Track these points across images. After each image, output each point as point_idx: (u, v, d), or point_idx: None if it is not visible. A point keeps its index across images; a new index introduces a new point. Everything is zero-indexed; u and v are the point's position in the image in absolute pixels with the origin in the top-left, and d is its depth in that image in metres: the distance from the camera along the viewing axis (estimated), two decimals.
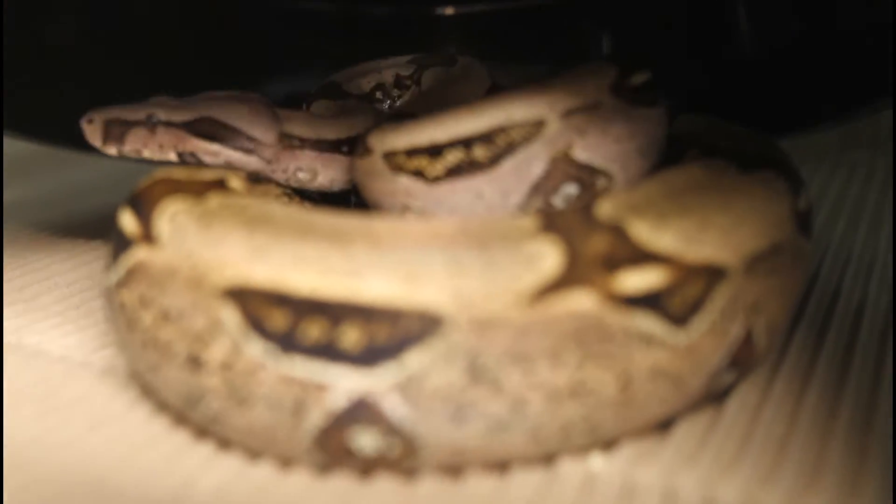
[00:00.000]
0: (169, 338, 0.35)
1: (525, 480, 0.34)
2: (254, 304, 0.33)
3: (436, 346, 0.32)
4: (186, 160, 0.45)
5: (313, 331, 0.32)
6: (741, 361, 0.36)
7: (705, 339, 0.34)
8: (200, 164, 0.45)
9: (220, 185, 0.40)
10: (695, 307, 0.34)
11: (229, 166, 0.45)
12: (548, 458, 0.35)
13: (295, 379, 0.33)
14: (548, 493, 0.34)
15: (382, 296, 0.32)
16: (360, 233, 0.34)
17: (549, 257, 0.32)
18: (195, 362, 0.34)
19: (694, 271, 0.34)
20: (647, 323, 0.33)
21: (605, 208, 0.34)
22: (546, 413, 0.32)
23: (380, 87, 0.55)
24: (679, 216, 0.34)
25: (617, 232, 0.33)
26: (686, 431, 0.37)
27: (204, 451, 0.37)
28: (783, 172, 0.39)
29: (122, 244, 0.38)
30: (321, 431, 0.33)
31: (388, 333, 0.32)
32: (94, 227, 0.64)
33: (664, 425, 0.37)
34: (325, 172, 0.47)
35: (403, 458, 0.33)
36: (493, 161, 0.40)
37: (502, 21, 0.71)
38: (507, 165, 0.40)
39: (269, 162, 0.46)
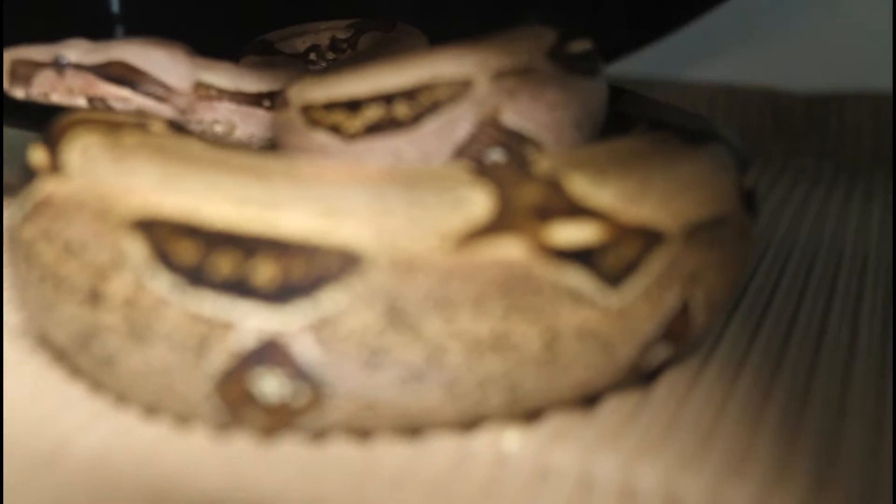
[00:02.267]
0: (69, 272, 0.32)
1: (436, 454, 0.32)
2: (162, 235, 0.31)
3: (353, 286, 0.30)
4: (96, 106, 0.43)
5: (224, 265, 0.30)
6: (676, 335, 0.35)
7: (638, 303, 0.33)
8: (110, 110, 0.43)
9: (140, 126, 0.37)
10: (629, 269, 0.32)
11: (141, 113, 0.42)
12: (462, 428, 0.33)
13: (201, 316, 0.30)
14: (458, 470, 0.32)
15: (300, 230, 0.30)
16: (281, 169, 0.32)
17: (478, 202, 0.31)
18: (95, 297, 0.32)
19: (630, 231, 0.32)
20: (578, 279, 0.31)
21: (543, 163, 0.33)
22: (465, 365, 0.30)
23: (314, 48, 0.53)
24: (619, 176, 0.33)
25: (553, 184, 0.32)
26: (610, 411, 0.35)
27: (95, 406, 0.35)
28: (730, 148, 0.38)
29: (28, 178, 0.36)
30: (224, 374, 0.31)
31: (304, 270, 0.30)
32: None
33: (589, 400, 0.35)
34: (244, 126, 0.45)
35: (309, 409, 0.31)
36: (416, 120, 0.38)
37: None
38: (430, 125, 0.38)
39: (183, 111, 0.44)
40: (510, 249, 0.30)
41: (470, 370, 0.31)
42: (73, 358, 0.34)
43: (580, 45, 0.41)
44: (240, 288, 0.30)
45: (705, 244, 0.34)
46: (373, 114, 0.38)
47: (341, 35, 0.53)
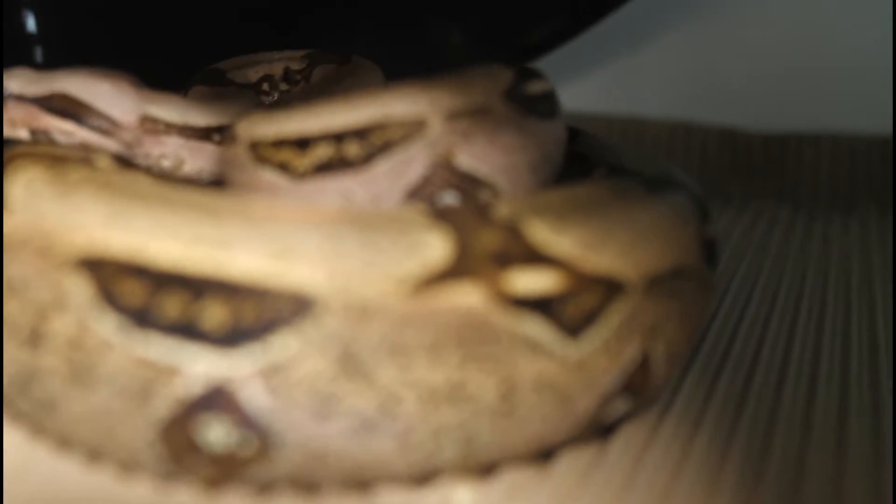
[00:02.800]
0: (10, 312, 0.31)
1: None
2: (108, 274, 0.30)
3: (306, 331, 0.29)
4: (39, 139, 0.42)
5: (172, 306, 0.29)
6: (636, 389, 0.34)
7: (598, 355, 0.32)
8: (54, 143, 0.41)
9: (85, 162, 0.36)
10: (588, 319, 0.32)
11: (86, 148, 0.41)
12: (414, 482, 0.32)
13: (146, 359, 0.29)
14: None
15: (251, 271, 0.29)
16: (231, 208, 0.31)
17: (436, 247, 0.30)
18: (35, 338, 0.30)
19: (591, 281, 0.32)
20: (536, 329, 0.30)
21: (502, 208, 0.32)
22: (418, 415, 0.30)
23: (267, 78, 0.52)
24: (580, 224, 0.32)
25: (512, 230, 0.31)
26: (565, 468, 0.34)
27: (33, 453, 0.33)
28: (691, 198, 0.38)
29: None
30: (168, 421, 0.29)
31: (255, 314, 0.29)
32: None
33: (544, 455, 0.34)
34: (192, 161, 0.44)
35: (256, 459, 0.30)
36: (367, 160, 0.37)
37: None
38: (382, 166, 0.37)
39: (129, 145, 0.43)
40: (468, 296, 0.30)
41: (424, 420, 0.30)
42: (13, 402, 0.32)
43: (538, 86, 0.40)
44: (187, 331, 0.29)
45: (665, 295, 0.34)
46: (323, 153, 0.37)
47: (295, 66, 0.52)
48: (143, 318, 0.29)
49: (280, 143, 0.38)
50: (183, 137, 0.44)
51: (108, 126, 0.42)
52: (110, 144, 0.43)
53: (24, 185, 0.33)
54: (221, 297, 0.29)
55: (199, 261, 0.29)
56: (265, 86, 0.52)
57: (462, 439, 0.30)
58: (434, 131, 0.37)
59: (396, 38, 0.69)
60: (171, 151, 0.44)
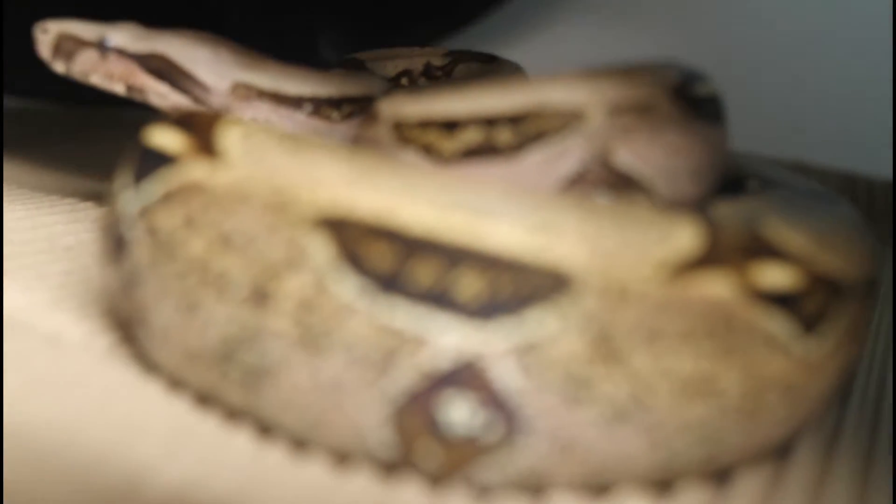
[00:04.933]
0: (226, 268, 0.29)
1: None
2: (353, 236, 0.28)
3: (563, 310, 0.27)
4: (133, 95, 0.43)
5: (424, 273, 0.27)
6: (843, 393, 0.33)
7: (830, 355, 0.31)
8: (146, 100, 0.43)
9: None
10: (821, 318, 0.31)
11: (175, 110, 0.41)
12: (652, 486, 0.30)
13: (391, 327, 0.28)
14: None
15: (511, 244, 0.28)
16: (483, 183, 0.29)
17: (688, 235, 0.29)
18: (261, 297, 0.29)
19: (823, 280, 0.31)
20: (779, 325, 0.30)
21: (724, 206, 0.31)
22: (670, 408, 0.28)
23: (406, 73, 0.51)
24: (806, 224, 0.32)
25: (751, 226, 0.30)
26: (745, 488, 0.32)
27: (231, 441, 0.30)
28: (853, 209, 0.37)
29: (154, 162, 0.32)
30: (407, 396, 0.28)
31: (512, 287, 0.27)
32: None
33: (721, 474, 0.32)
34: (282, 127, 0.43)
35: (497, 448, 0.28)
36: (518, 148, 0.35)
37: None
38: (534, 157, 0.35)
39: (219, 112, 0.42)
40: (719, 286, 0.29)
41: (675, 414, 0.28)
42: (217, 369, 0.30)
43: (705, 88, 0.39)
44: (439, 300, 0.27)
45: (861, 300, 0.33)
46: (471, 137, 0.35)
47: (437, 62, 0.51)
48: (390, 284, 0.28)
49: (426, 125, 0.36)
50: (273, 104, 0.43)
51: (201, 92, 0.43)
52: (201, 109, 0.42)
53: (241, 137, 0.31)
54: (478, 268, 0.27)
55: (456, 228, 0.27)
56: (404, 80, 0.50)
57: (708, 438, 0.29)
58: (593, 124, 0.35)
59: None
60: (261, 116, 0.43)
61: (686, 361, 0.28)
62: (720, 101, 0.40)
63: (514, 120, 0.35)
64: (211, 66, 0.43)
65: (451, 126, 0.35)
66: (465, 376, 0.27)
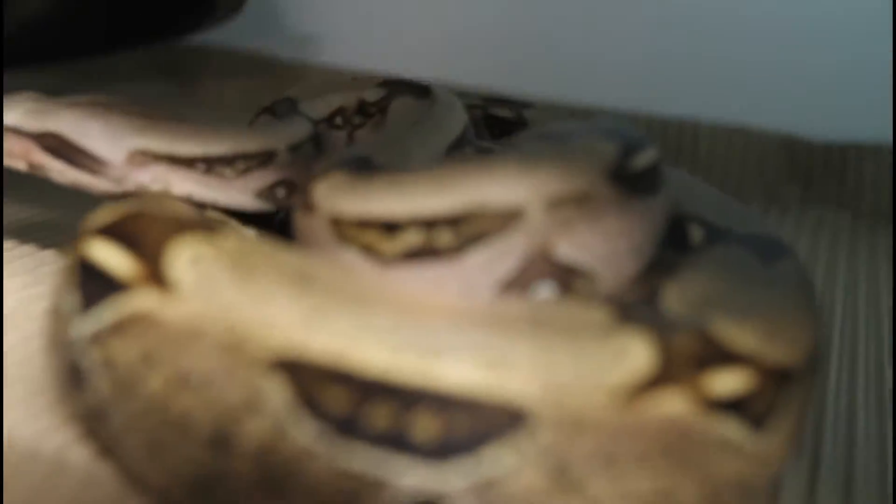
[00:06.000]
0: (186, 408, 0.30)
1: None
2: (308, 379, 0.28)
3: (519, 445, 0.28)
4: (36, 172, 0.43)
5: (380, 416, 0.28)
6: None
7: (779, 445, 0.32)
8: (47, 177, 0.43)
9: (219, 224, 0.34)
10: (769, 412, 0.31)
11: (77, 186, 0.43)
12: None
13: (351, 471, 0.28)
14: None
15: (464, 383, 0.28)
16: (426, 304, 0.30)
17: (640, 353, 0.29)
18: (221, 440, 0.29)
19: (772, 373, 0.31)
20: (733, 429, 0.30)
21: (672, 302, 0.32)
22: None
23: (340, 111, 0.50)
24: (751, 313, 0.32)
25: (699, 329, 0.31)
26: None
27: None
28: (799, 263, 0.37)
29: (104, 287, 0.32)
30: None
31: (468, 427, 0.28)
32: None
33: None
34: (180, 186, 0.43)
35: None
36: (459, 249, 0.34)
37: None
38: (476, 258, 0.34)
39: (118, 181, 0.43)
40: (674, 404, 0.29)
41: None
42: (192, 500, 0.31)
43: (644, 159, 0.37)
44: (396, 442, 0.28)
45: (809, 379, 0.34)
46: (412, 239, 0.34)
47: (370, 97, 0.50)
48: (347, 427, 0.28)
49: (365, 224, 0.35)
50: (167, 166, 0.43)
51: (98, 166, 0.43)
52: (100, 184, 0.43)
53: (190, 262, 0.31)
54: (433, 409, 0.28)
55: (408, 370, 0.28)
56: (338, 120, 0.49)
57: None
58: (533, 221, 0.34)
59: None
60: (158, 178, 0.43)
61: (644, 481, 0.29)
62: (658, 169, 0.38)
63: (454, 221, 0.34)
64: (105, 139, 0.43)
65: (390, 227, 0.35)
66: None
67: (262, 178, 0.44)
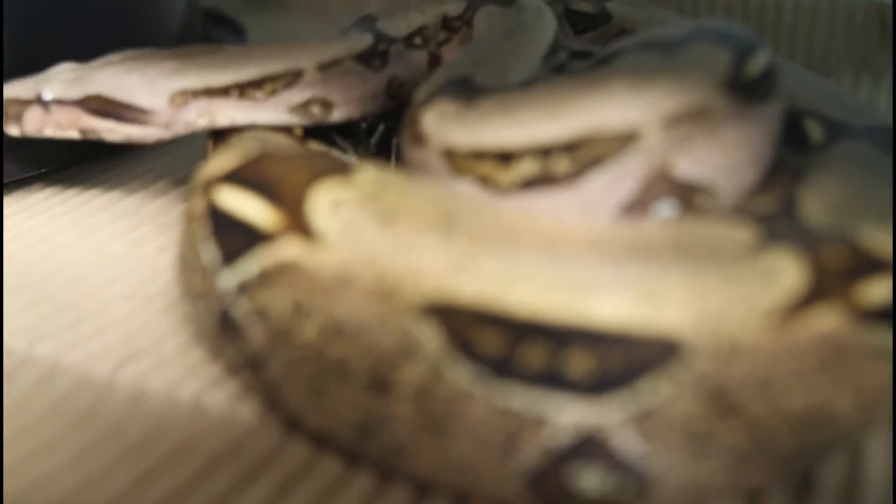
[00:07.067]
0: (342, 355, 0.30)
1: None
2: (461, 323, 0.29)
3: (675, 375, 0.28)
4: (88, 136, 0.44)
5: (534, 356, 0.28)
6: None
7: None
8: (100, 139, 0.44)
9: (334, 164, 0.35)
10: None
11: (130, 141, 0.44)
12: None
13: (510, 410, 0.29)
14: None
15: (617, 319, 0.28)
16: (574, 235, 0.29)
17: (791, 271, 0.29)
18: (381, 386, 0.30)
19: None
20: (884, 337, 0.30)
21: (815, 212, 0.31)
22: (790, 443, 0.29)
23: (420, 31, 0.48)
24: (886, 217, 0.31)
25: (845, 239, 0.30)
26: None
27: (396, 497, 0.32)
28: None
29: (245, 237, 0.33)
30: (537, 472, 0.29)
31: (623, 361, 0.28)
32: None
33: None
34: (223, 116, 0.44)
35: (635, 500, 0.30)
36: (577, 176, 0.33)
37: None
38: (594, 182, 0.33)
39: (167, 125, 0.44)
40: (829, 320, 0.29)
41: (795, 445, 0.29)
42: (359, 446, 0.32)
43: (758, 63, 0.36)
44: (553, 380, 0.28)
45: None
46: (528, 168, 0.34)
47: (453, 11, 0.48)
48: (503, 368, 0.28)
49: (479, 156, 0.34)
50: (207, 99, 0.44)
51: (145, 117, 0.44)
52: (150, 132, 0.44)
53: (333, 209, 0.31)
54: (587, 347, 0.28)
55: (560, 310, 0.28)
56: (417, 40, 0.48)
57: (821, 454, 0.30)
58: (651, 142, 0.33)
59: None
60: (203, 112, 0.44)
61: (800, 398, 0.29)
62: (773, 73, 0.37)
63: (570, 147, 0.33)
64: (145, 89, 0.44)
65: (505, 157, 0.34)
66: (589, 448, 0.29)
67: (291, 97, 0.44)
